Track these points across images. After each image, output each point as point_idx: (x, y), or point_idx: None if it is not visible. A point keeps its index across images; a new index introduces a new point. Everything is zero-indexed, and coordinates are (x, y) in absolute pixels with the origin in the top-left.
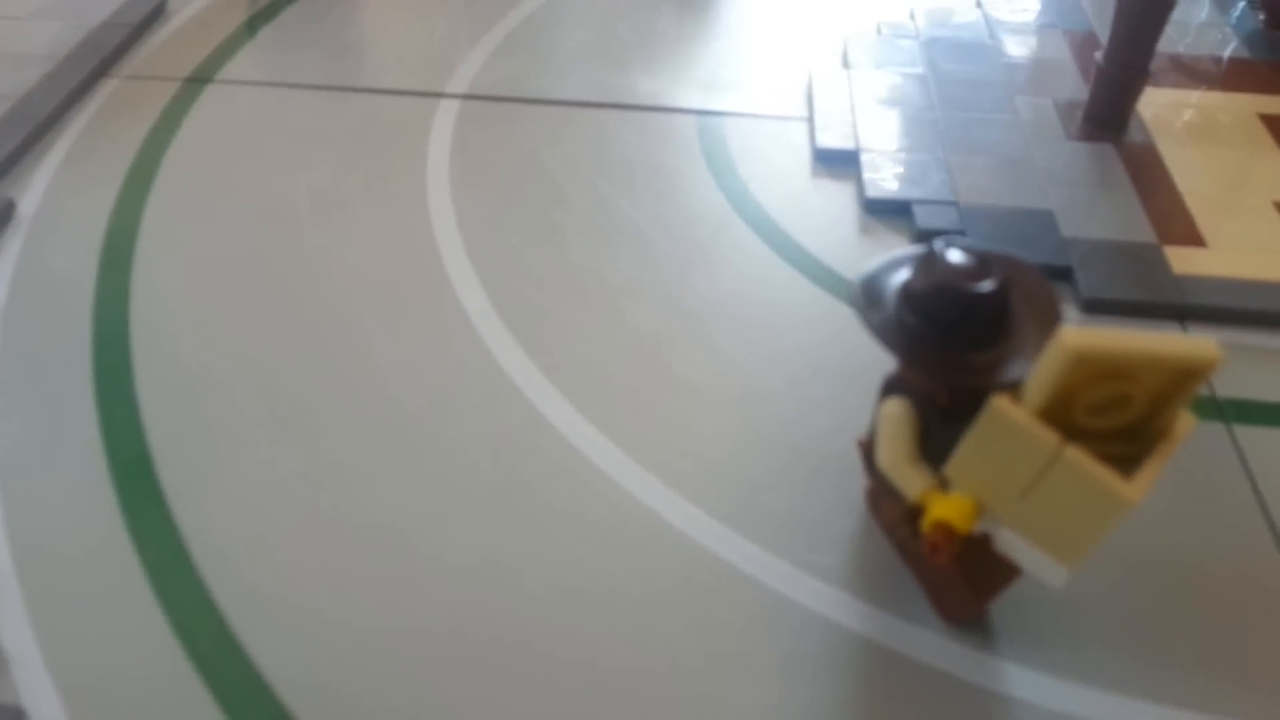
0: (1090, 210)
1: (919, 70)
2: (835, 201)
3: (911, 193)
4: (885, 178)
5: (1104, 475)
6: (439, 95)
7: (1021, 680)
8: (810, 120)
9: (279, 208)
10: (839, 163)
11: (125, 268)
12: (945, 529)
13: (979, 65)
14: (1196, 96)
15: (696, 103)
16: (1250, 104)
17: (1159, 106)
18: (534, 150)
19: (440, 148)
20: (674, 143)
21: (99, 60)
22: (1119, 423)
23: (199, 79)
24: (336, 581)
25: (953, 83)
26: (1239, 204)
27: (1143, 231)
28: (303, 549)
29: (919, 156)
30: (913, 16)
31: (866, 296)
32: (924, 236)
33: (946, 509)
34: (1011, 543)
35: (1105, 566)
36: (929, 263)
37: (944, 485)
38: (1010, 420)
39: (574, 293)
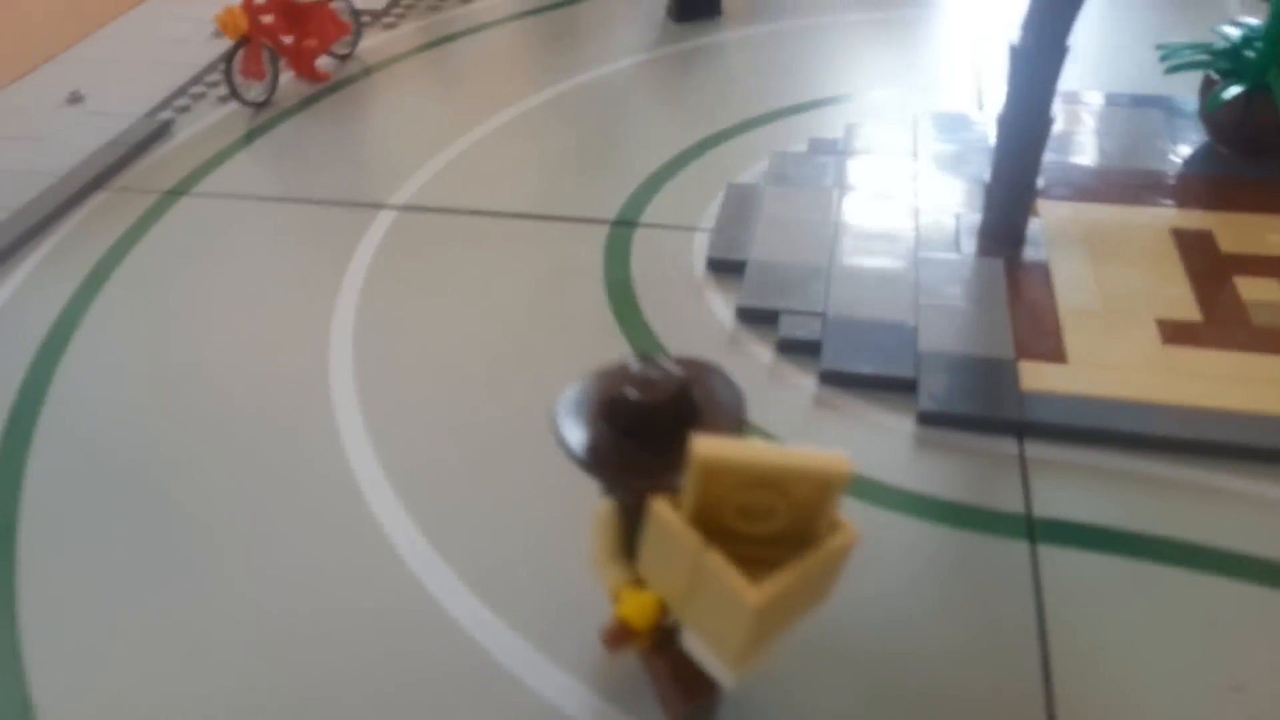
0: (954, 325)
1: (828, 184)
2: (715, 312)
3: (782, 303)
4: (760, 288)
5: (731, 577)
6: (380, 206)
7: None
8: (712, 231)
9: (199, 311)
10: (728, 273)
11: (54, 358)
12: (620, 628)
13: (892, 180)
14: (1113, 211)
15: (612, 214)
16: (1167, 218)
17: (1070, 221)
18: (448, 258)
19: (365, 254)
20: (580, 251)
21: (93, 175)
22: (771, 529)
23: (176, 192)
24: None
25: (861, 197)
26: (1119, 320)
27: (1002, 347)
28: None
29: (804, 270)
30: (846, 132)
31: (563, 411)
32: (785, 345)
33: (628, 607)
34: (691, 643)
35: (855, 677)
36: (613, 375)
37: (641, 583)
38: (661, 521)
39: (445, 407)
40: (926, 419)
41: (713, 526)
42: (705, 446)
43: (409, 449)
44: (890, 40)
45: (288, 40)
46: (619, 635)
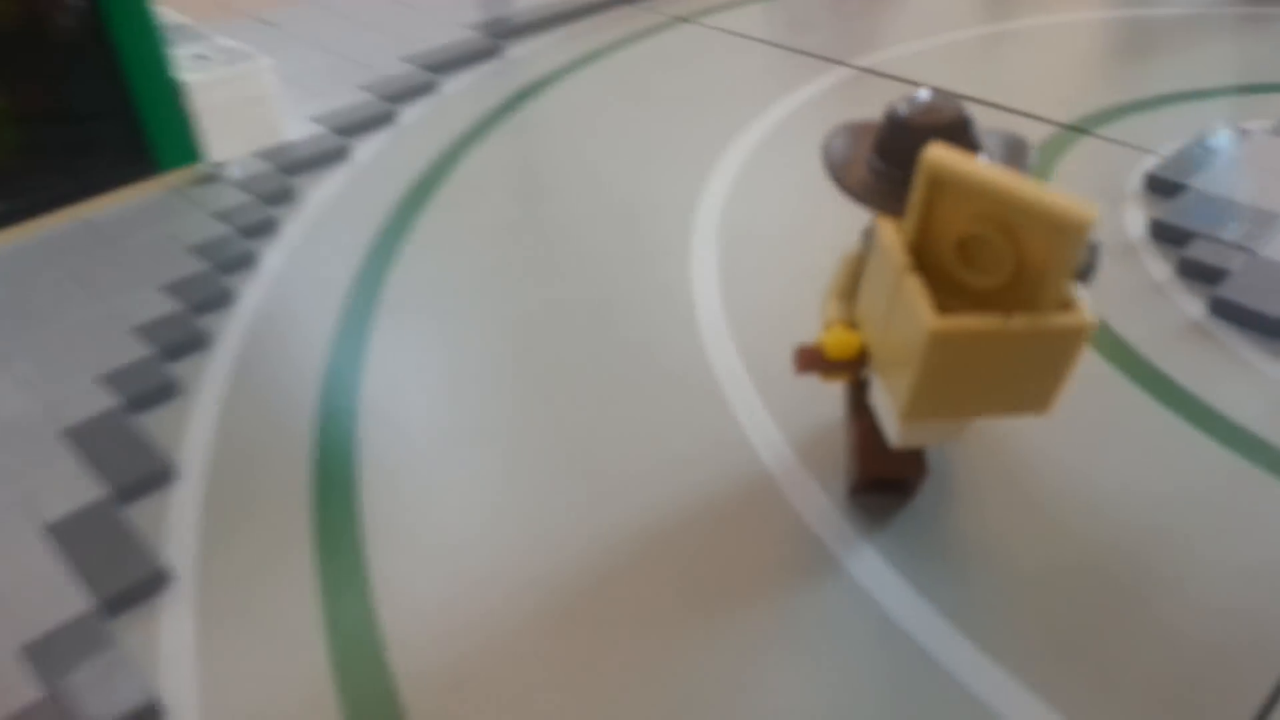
0: None
1: None
2: (1123, 221)
3: (1205, 228)
4: (1188, 210)
5: (920, 300)
6: (840, 64)
7: (872, 568)
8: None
9: (633, 108)
10: (1160, 193)
11: (518, 104)
12: (814, 351)
13: None
14: None
15: (1068, 118)
16: None
17: None
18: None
19: (798, 98)
20: None
21: None
22: (993, 282)
23: (683, 18)
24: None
25: None
26: None
27: None
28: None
29: (1251, 211)
30: None
31: (834, 159)
32: (1188, 267)
33: (829, 336)
34: (876, 392)
35: (1073, 561)
36: (891, 107)
37: (854, 326)
38: (880, 238)
39: (792, 253)
40: None
41: (933, 269)
42: (937, 154)
43: (746, 278)
44: None
45: None
46: (809, 358)
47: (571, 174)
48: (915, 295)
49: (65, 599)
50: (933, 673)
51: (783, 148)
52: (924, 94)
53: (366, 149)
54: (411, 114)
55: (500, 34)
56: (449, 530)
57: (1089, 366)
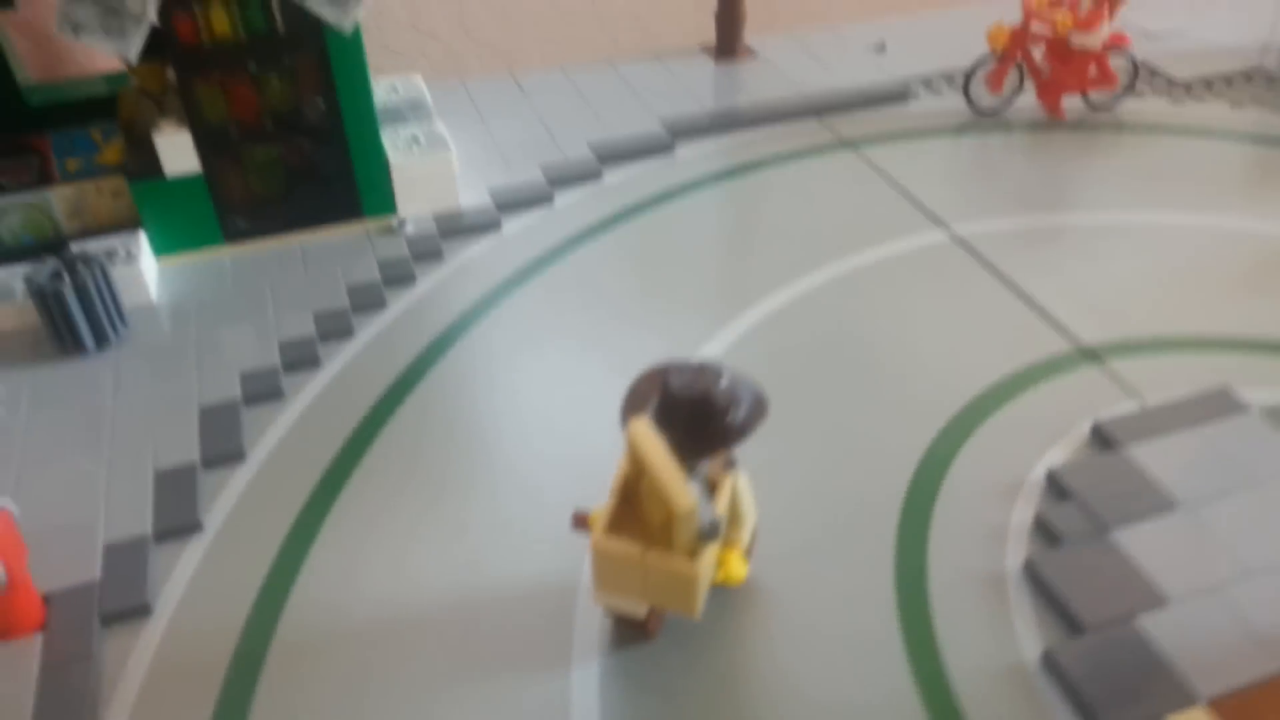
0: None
1: None
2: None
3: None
4: (1090, 486)
5: (601, 518)
6: (941, 224)
7: (586, 676)
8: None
9: (754, 226)
10: (1103, 447)
11: (649, 209)
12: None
13: None
14: None
15: (1088, 339)
16: None
17: None
18: (939, 282)
19: (893, 248)
20: (1017, 348)
21: (819, 105)
22: (659, 520)
23: (847, 144)
24: None
25: None
26: None
27: None
28: None
29: (1152, 498)
30: None
31: (631, 403)
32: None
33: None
34: None
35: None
36: (666, 375)
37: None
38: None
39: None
40: (1051, 664)
41: (637, 495)
42: (635, 427)
43: None
44: None
45: (1044, 68)
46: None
47: (637, 279)
48: (602, 513)
49: (140, 520)
50: None
51: (798, 317)
52: (690, 369)
53: (514, 225)
54: (565, 199)
55: (680, 132)
56: (381, 553)
57: (874, 580)
